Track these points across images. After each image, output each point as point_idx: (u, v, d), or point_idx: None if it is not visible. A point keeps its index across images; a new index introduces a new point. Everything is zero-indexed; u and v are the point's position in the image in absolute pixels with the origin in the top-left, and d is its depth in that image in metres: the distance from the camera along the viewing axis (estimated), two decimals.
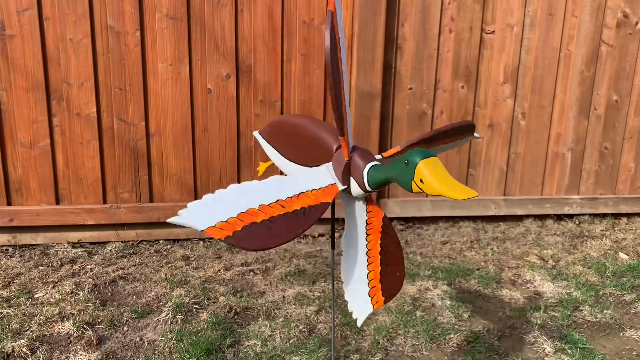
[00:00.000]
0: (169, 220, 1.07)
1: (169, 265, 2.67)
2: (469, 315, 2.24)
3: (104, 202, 2.90)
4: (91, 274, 2.53)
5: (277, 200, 1.17)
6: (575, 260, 2.83)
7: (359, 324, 1.33)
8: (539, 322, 2.20)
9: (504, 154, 3.31)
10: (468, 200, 3.26)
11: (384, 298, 1.32)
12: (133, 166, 2.89)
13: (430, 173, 1.11)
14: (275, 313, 2.21)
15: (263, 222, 1.11)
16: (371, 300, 1.32)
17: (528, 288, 2.52)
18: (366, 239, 1.35)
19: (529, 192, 3.38)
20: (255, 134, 1.73)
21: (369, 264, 1.34)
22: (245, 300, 2.30)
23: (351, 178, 1.29)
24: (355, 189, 1.29)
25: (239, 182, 3.02)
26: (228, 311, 2.21)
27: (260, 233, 1.10)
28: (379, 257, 1.34)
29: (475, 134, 1.62)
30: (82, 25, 2.68)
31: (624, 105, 3.36)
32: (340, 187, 1.31)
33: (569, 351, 1.97)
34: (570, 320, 2.21)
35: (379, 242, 1.35)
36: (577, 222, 3.40)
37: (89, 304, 2.23)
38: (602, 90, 3.32)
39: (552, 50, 3.21)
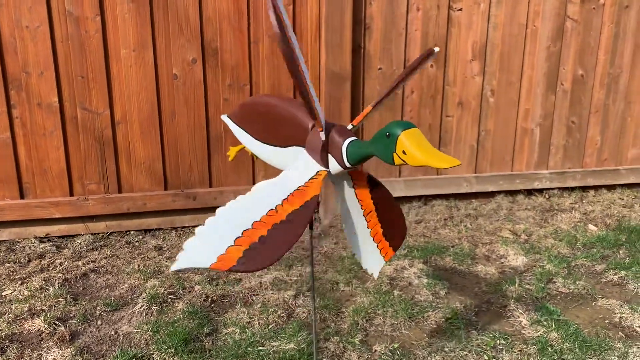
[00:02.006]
0: (172, 269, 1.04)
1: (142, 256, 2.61)
2: (445, 293, 2.25)
3: (71, 194, 2.82)
4: (61, 268, 2.46)
5: (268, 211, 1.14)
6: (547, 233, 2.88)
7: (375, 276, 1.54)
8: (514, 295, 2.23)
9: (474, 131, 3.32)
10: (440, 179, 3.27)
11: (392, 248, 1.48)
12: (99, 156, 2.81)
13: (412, 144, 1.08)
14: (252, 299, 2.19)
15: (261, 239, 1.08)
16: (381, 253, 1.47)
17: (502, 263, 2.55)
18: (359, 203, 1.43)
19: (499, 168, 3.42)
20: (224, 117, 1.69)
21: (368, 222, 1.44)
22: (221, 288, 2.27)
23: (329, 155, 1.26)
24: (334, 166, 1.27)
25: (209, 168, 2.97)
26: (204, 300, 2.18)
27: (261, 252, 1.07)
28: (376, 214, 1.43)
29: (435, 48, 1.63)
30: (39, 12, 2.57)
31: (589, 79, 3.41)
32: (324, 169, 1.29)
33: (545, 323, 2.00)
34: (544, 293, 2.25)
35: (371, 200, 1.43)
36: (547, 197, 3.46)
37: (60, 299, 2.17)
38: (568, 66, 3.35)
39: (519, 27, 3.23)
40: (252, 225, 1.10)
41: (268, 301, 2.16)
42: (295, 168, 1.31)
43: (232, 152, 1.81)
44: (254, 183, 3.04)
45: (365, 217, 1.44)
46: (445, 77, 3.20)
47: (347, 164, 1.24)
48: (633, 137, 3.58)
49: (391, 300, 2.15)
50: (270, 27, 2.85)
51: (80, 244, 2.74)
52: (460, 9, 3.13)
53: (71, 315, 2.08)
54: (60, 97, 2.69)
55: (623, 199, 3.45)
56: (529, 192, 3.49)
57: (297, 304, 2.14)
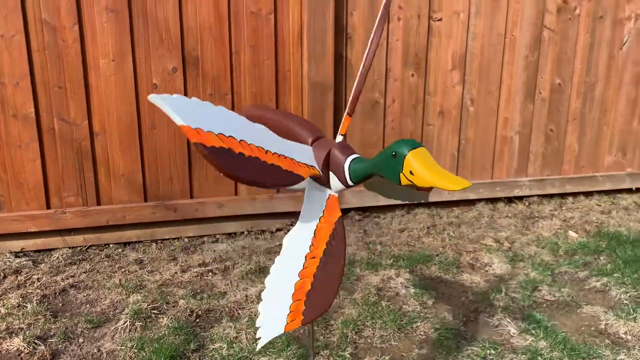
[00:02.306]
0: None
1: (122, 270, 2.55)
2: (433, 302, 2.25)
3: (48, 207, 2.74)
4: (39, 284, 2.39)
5: (306, 255, 1.14)
6: (529, 241, 2.90)
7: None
8: (501, 304, 2.23)
9: (455, 140, 3.35)
10: None
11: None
12: (78, 168, 2.74)
13: (420, 164, 1.06)
14: (238, 313, 2.15)
15: (313, 285, 1.09)
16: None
17: (487, 271, 2.56)
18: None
19: (480, 176, 3.44)
20: None
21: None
22: (206, 302, 2.23)
23: (331, 173, 1.24)
24: (335, 184, 1.24)
25: (190, 179, 2.93)
26: (189, 315, 2.14)
27: (318, 295, 1.08)
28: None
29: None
30: (14, 20, 2.50)
31: (566, 88, 3.46)
32: (319, 171, 1.25)
33: (533, 331, 2.01)
34: (530, 301, 2.26)
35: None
36: (527, 204, 3.50)
37: (39, 317, 2.10)
38: (545, 75, 3.40)
39: (498, 37, 3.27)
40: (299, 276, 1.14)
41: (255, 315, 2.12)
42: (308, 205, 1.28)
43: None
44: (235, 194, 3.01)
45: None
46: (426, 87, 3.22)
47: (350, 182, 1.22)
48: (609, 145, 3.65)
49: (380, 312, 2.13)
50: (251, 37, 2.83)
51: (57, 258, 2.67)
52: (440, 19, 3.15)
53: (51, 333, 2.01)
54: (37, 108, 2.62)
55: (600, 205, 3.50)
56: (509, 200, 3.53)
57: None
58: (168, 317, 2.10)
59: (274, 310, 1.12)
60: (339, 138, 1.30)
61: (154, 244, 2.87)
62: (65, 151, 2.71)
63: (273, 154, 1.11)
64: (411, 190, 1.34)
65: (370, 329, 2.03)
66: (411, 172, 1.07)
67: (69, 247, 2.77)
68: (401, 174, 1.09)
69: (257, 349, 1.09)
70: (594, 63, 3.47)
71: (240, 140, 1.05)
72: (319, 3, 2.83)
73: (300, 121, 1.36)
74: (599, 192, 3.66)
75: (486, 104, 3.35)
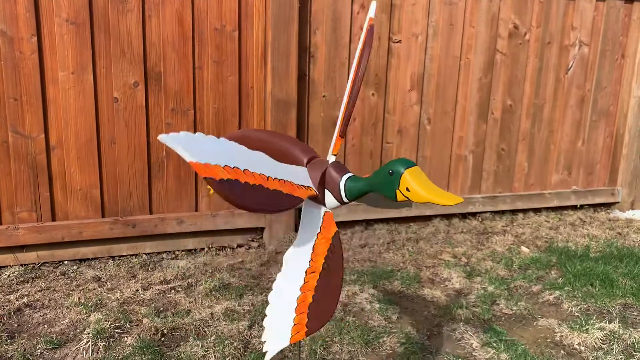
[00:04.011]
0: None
1: (80, 288, 2.48)
2: (397, 317, 2.29)
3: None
4: None
5: (306, 270, 1.19)
6: (485, 256, 3.01)
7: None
8: (462, 318, 2.30)
9: (413, 157, 3.43)
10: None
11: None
12: (32, 182, 2.65)
13: (416, 182, 1.14)
14: (205, 331, 2.13)
15: (314, 297, 1.15)
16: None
17: (447, 286, 2.63)
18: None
19: None
20: None
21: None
22: (171, 320, 2.19)
23: (326, 190, 1.28)
24: (330, 201, 1.28)
25: (150, 194, 2.88)
26: (154, 333, 2.09)
27: (320, 307, 1.14)
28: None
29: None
30: None
31: (517, 109, 3.62)
32: (316, 191, 1.29)
33: (494, 344, 2.08)
34: (490, 314, 2.34)
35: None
36: (480, 220, 3.62)
37: None
38: (498, 96, 3.55)
39: (453, 59, 3.39)
40: (301, 290, 1.20)
41: (222, 333, 2.10)
42: (305, 223, 1.33)
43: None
44: (196, 209, 2.98)
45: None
46: (385, 106, 3.30)
47: (345, 200, 1.27)
48: (556, 164, 3.83)
49: (347, 327, 2.16)
50: (215, 53, 2.83)
51: (9, 276, 2.56)
52: (400, 41, 3.25)
53: (9, 355, 1.93)
54: None
55: (549, 222, 3.67)
56: (464, 216, 3.64)
57: (253, 335, 2.10)
58: (132, 337, 2.05)
59: (279, 325, 1.17)
60: (331, 158, 1.35)
61: (111, 261, 2.80)
62: (19, 165, 2.62)
63: (274, 179, 1.15)
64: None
65: (338, 345, 2.05)
66: (407, 189, 1.15)
67: (21, 265, 2.67)
68: (397, 191, 1.17)
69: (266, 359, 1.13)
70: (542, 86, 3.65)
71: (245, 169, 1.09)
72: (283, 21, 2.87)
73: (295, 142, 1.39)
74: (547, 209, 3.84)
75: (442, 123, 3.46)
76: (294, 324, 1.18)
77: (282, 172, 1.21)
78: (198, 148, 1.02)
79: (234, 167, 1.07)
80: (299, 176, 1.28)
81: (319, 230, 1.30)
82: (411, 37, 3.27)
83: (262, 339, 1.21)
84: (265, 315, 1.25)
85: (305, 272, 1.24)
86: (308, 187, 1.27)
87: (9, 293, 2.40)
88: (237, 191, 1.04)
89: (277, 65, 2.90)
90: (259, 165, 1.14)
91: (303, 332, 1.18)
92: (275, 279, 1.28)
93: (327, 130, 3.16)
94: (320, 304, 1.20)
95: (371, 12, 1.41)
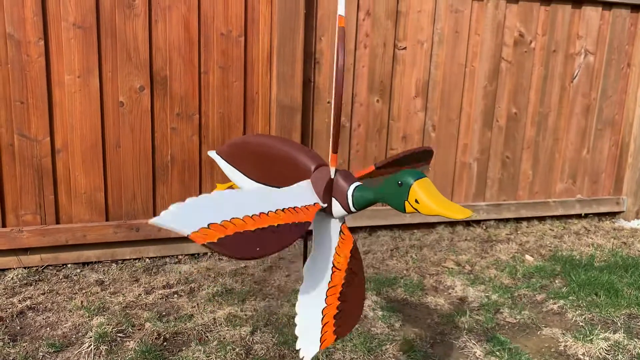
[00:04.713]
0: (150, 221, 0.99)
1: (83, 291, 2.48)
2: (400, 325, 2.28)
3: (4, 225, 2.65)
4: None
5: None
6: (489, 264, 2.99)
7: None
8: (466, 326, 2.29)
9: (421, 171, 3.42)
10: (385, 210, 3.34)
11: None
12: (37, 185, 2.66)
13: (425, 194, 1.12)
14: (207, 337, 2.12)
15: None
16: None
17: (450, 294, 2.62)
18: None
19: None
20: (212, 154, 1.66)
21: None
22: (173, 325, 2.19)
23: (333, 199, 1.27)
24: (337, 210, 1.27)
25: (154, 198, 2.89)
26: (156, 338, 2.09)
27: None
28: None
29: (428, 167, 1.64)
30: None
31: (522, 117, 3.62)
32: (322, 205, 1.27)
33: (498, 353, 2.07)
34: (493, 323, 2.33)
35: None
36: (484, 227, 3.61)
37: None
38: (503, 104, 3.55)
39: (459, 66, 3.39)
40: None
41: (224, 338, 2.10)
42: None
43: (220, 189, 1.76)
44: None
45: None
46: (390, 112, 3.30)
47: (353, 209, 1.26)
48: (560, 172, 3.82)
49: (349, 334, 2.15)
50: (220, 58, 2.84)
51: (12, 278, 2.57)
52: (405, 48, 3.25)
53: (11, 358, 1.93)
54: None
55: (553, 230, 3.65)
56: (468, 223, 3.63)
57: (255, 341, 2.09)
58: (134, 341, 2.05)
59: (196, 215, 1.07)
60: (332, 170, 1.33)
61: (114, 264, 2.80)
62: (25, 168, 2.63)
63: (275, 213, 1.13)
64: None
65: (340, 352, 2.04)
66: (416, 201, 1.13)
67: (24, 267, 2.67)
68: (406, 202, 1.15)
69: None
70: (548, 94, 3.65)
71: (243, 216, 1.07)
72: (289, 28, 2.87)
73: (300, 148, 1.38)
74: (551, 217, 3.82)
75: (447, 130, 3.46)
76: (322, 334, 1.20)
77: (283, 200, 1.18)
78: (190, 218, 1.01)
79: (231, 218, 1.05)
80: (301, 196, 1.25)
81: (336, 243, 1.28)
82: (416, 44, 3.27)
83: (297, 346, 1.22)
84: (296, 325, 1.25)
85: (327, 285, 1.24)
86: (314, 204, 1.25)
87: (12, 295, 2.40)
88: (240, 244, 1.03)
89: (282, 71, 2.90)
90: (256, 204, 1.12)
91: (332, 339, 1.21)
92: (297, 290, 1.29)
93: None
94: (346, 314, 1.22)
95: (340, 9, 1.33)
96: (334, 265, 1.26)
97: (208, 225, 1.02)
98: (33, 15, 2.51)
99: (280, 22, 2.85)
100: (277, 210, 1.14)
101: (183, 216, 1.02)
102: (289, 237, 1.11)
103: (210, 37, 2.82)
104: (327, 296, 1.23)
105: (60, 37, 2.57)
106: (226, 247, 1.00)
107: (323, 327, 1.20)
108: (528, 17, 3.49)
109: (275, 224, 1.11)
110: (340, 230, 1.31)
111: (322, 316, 1.21)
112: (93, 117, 2.69)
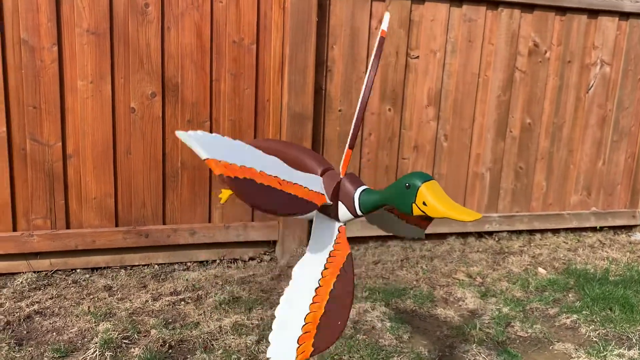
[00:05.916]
0: (177, 132, 1.02)
1: (91, 296, 2.48)
2: (409, 337, 2.25)
3: (14, 229, 2.66)
4: (1, 310, 2.29)
5: (315, 290, 1.15)
6: (500, 276, 2.95)
7: None
8: (475, 339, 2.25)
9: (429, 173, 3.39)
10: None
11: (312, 349, 1.14)
12: (48, 190, 2.67)
13: (433, 196, 1.10)
14: (212, 345, 2.10)
15: (322, 318, 1.11)
16: (297, 349, 1.13)
17: (460, 306, 2.58)
18: (321, 273, 1.23)
19: None
20: None
21: (313, 302, 1.19)
22: (179, 332, 2.17)
23: (340, 203, 1.26)
24: (344, 213, 1.26)
25: (164, 204, 2.88)
26: (162, 345, 2.08)
27: (327, 328, 1.10)
28: (327, 298, 1.19)
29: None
30: None
31: (535, 127, 3.57)
32: (328, 200, 1.26)
33: None
34: (504, 337, 2.28)
35: (333, 281, 1.21)
36: (497, 239, 3.56)
37: (3, 345, 2.01)
38: (516, 114, 3.51)
39: (472, 76, 3.36)
40: (309, 309, 1.15)
41: (229, 347, 2.08)
42: (317, 236, 1.29)
43: (225, 194, 1.76)
44: (209, 220, 2.98)
45: (316, 292, 1.20)
46: (402, 121, 3.28)
47: (359, 212, 1.25)
48: (575, 184, 3.76)
49: (356, 345, 2.12)
50: (232, 65, 2.84)
51: (21, 282, 2.58)
52: (418, 57, 3.23)
53: None
54: (9, 127, 2.56)
55: (567, 243, 3.59)
56: (480, 235, 3.58)
57: (260, 350, 2.07)
58: (140, 347, 2.04)
59: (285, 341, 1.13)
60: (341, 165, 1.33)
61: (123, 270, 2.80)
62: (36, 172, 2.64)
63: (288, 182, 1.14)
64: (410, 227, 1.37)
65: None
66: (424, 203, 1.11)
67: (34, 271, 2.68)
68: (414, 205, 1.13)
69: None
70: (562, 104, 3.60)
71: (260, 171, 1.08)
72: (301, 35, 2.87)
73: (309, 153, 1.38)
74: (565, 230, 3.76)
75: (459, 140, 3.42)
76: (299, 345, 1.13)
77: (297, 177, 1.19)
78: (214, 146, 1.02)
79: (250, 167, 1.06)
80: (313, 183, 1.25)
81: (332, 247, 1.26)
82: (429, 53, 3.25)
83: (267, 355, 1.16)
84: (271, 330, 1.20)
85: (315, 290, 1.20)
86: (322, 194, 1.24)
87: (20, 300, 2.41)
88: (251, 190, 1.03)
89: (294, 79, 2.90)
90: (274, 168, 1.13)
91: (308, 352, 1.13)
92: (283, 293, 1.25)
93: (343, 144, 3.14)
94: (329, 324, 1.16)
95: (384, 25, 1.38)
96: (325, 269, 1.23)
97: (231, 162, 1.03)
98: (47, 20, 2.53)
99: (292, 30, 2.85)
100: (290, 181, 1.16)
101: (210, 143, 1.03)
102: (294, 206, 1.14)
103: (222, 45, 2.82)
104: (313, 301, 1.19)
105: (74, 43, 2.59)
106: (240, 188, 1.02)
107: (302, 335, 1.14)
108: (543, 27, 3.45)
109: (286, 191, 1.12)
110: (336, 238, 1.28)
111: (303, 323, 1.16)
112: (105, 123, 2.70)
